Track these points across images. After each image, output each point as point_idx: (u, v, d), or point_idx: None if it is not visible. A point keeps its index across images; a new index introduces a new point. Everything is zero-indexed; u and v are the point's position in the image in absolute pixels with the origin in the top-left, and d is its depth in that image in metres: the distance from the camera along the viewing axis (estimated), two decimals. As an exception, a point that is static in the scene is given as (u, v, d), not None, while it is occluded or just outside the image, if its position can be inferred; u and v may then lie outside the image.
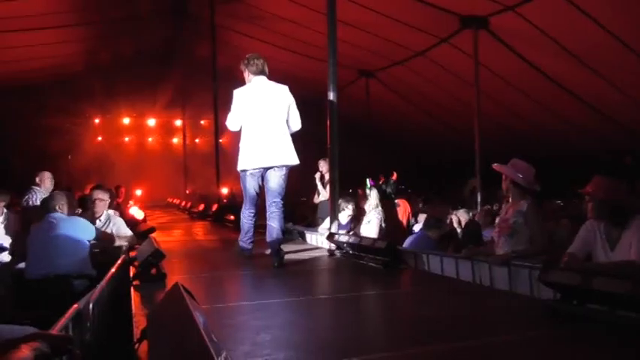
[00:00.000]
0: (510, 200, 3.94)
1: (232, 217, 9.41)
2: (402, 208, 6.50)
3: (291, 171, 4.57)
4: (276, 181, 4.40)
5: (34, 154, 14.09)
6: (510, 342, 2.18)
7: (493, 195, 7.50)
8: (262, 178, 4.48)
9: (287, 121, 4.46)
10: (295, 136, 4.59)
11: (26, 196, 6.18)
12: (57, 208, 4.42)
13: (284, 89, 4.47)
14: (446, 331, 2.35)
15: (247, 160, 4.40)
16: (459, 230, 5.84)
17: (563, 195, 8.76)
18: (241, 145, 4.45)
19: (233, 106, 4.48)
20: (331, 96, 5.18)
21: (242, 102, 4.42)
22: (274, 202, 4.41)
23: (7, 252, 4.95)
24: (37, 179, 6.34)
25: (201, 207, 11.34)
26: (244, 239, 4.65)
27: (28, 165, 13.97)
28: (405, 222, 6.43)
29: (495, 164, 3.95)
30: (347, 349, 2.13)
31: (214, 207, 10.40)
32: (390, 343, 2.21)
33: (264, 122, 4.35)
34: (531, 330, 2.36)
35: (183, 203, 14.41)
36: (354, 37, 9.71)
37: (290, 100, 4.47)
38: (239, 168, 4.48)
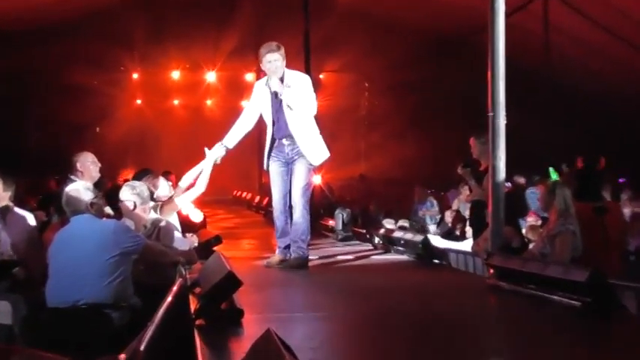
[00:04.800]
0: None
1: (331, 223, 9.45)
2: (614, 216, 6.14)
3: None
4: None
5: (53, 125, 15.19)
6: None
7: None
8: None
9: None
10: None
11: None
12: (87, 207, 4.63)
13: None
14: None
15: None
16: None
17: None
18: (317, 138, 6.04)
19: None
20: (495, 33, 5.20)
21: None
22: None
23: (18, 267, 5.14)
24: (78, 165, 5.95)
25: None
26: (306, 243, 6.11)
27: (47, 140, 15.12)
28: (617, 238, 6.08)
29: None
30: None
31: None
32: None
33: None
34: None
35: (256, 199, 14.81)
36: None
37: None
38: (319, 162, 6.13)
